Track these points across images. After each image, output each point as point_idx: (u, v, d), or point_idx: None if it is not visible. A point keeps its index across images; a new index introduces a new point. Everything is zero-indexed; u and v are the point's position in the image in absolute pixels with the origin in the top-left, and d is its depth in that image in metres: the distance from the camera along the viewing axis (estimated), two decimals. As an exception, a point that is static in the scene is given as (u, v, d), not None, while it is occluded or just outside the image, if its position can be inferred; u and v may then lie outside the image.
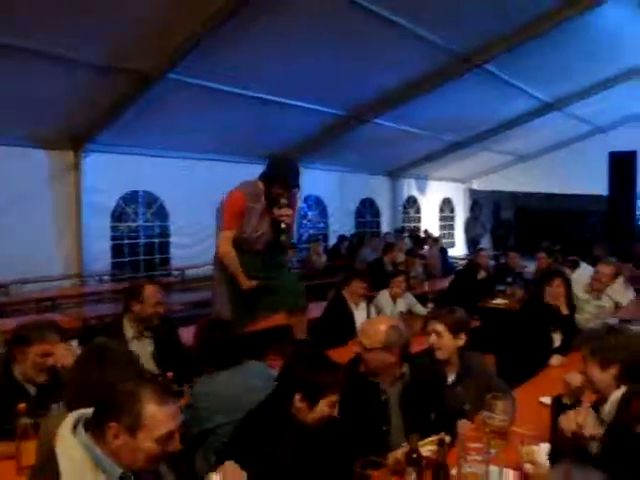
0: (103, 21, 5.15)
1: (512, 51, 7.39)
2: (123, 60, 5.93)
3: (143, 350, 3.47)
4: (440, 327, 3.00)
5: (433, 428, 2.39)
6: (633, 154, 11.65)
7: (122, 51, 5.76)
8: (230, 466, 1.89)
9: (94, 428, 1.65)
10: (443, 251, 11.24)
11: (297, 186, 3.95)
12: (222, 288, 4.04)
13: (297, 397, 2.23)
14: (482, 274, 7.43)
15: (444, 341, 2.99)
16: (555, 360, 3.89)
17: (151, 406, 1.64)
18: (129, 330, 3.54)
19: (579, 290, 5.19)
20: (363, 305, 5.16)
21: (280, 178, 3.83)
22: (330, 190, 12.05)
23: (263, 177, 3.92)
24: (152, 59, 5.99)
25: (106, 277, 8.38)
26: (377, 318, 2.69)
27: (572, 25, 6.92)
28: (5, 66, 5.53)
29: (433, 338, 3.01)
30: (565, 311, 4.44)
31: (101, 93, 6.52)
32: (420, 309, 5.99)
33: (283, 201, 3.83)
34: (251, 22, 5.58)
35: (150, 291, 3.53)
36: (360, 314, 5.05)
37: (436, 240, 11.89)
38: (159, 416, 1.65)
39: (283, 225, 3.85)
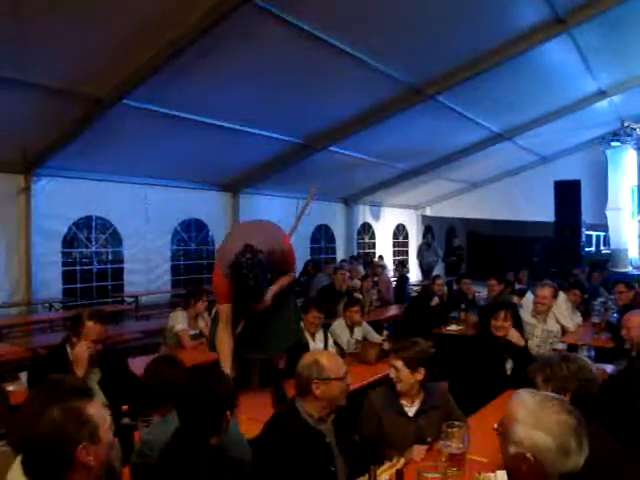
0: (58, 45, 5.10)
1: (463, 84, 7.64)
2: (78, 84, 5.85)
3: (89, 382, 3.35)
4: (398, 363, 3.06)
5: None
6: (577, 183, 12.06)
7: (77, 75, 5.69)
8: None
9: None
10: (403, 278, 11.41)
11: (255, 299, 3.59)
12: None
13: None
14: (436, 300, 7.54)
15: (402, 376, 3.04)
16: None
17: (90, 407, 1.65)
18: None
19: (527, 315, 5.33)
20: (319, 336, 5.07)
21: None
22: (285, 216, 11.99)
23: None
24: (108, 84, 5.93)
25: (56, 304, 8.13)
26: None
27: (518, 61, 7.23)
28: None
29: (392, 372, 3.08)
30: (516, 341, 4.32)
31: (54, 116, 6.39)
32: (375, 336, 6.01)
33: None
34: (210, 51, 5.62)
35: (90, 329, 3.43)
36: (317, 345, 4.97)
37: (383, 267, 11.99)
38: (99, 411, 1.68)
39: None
